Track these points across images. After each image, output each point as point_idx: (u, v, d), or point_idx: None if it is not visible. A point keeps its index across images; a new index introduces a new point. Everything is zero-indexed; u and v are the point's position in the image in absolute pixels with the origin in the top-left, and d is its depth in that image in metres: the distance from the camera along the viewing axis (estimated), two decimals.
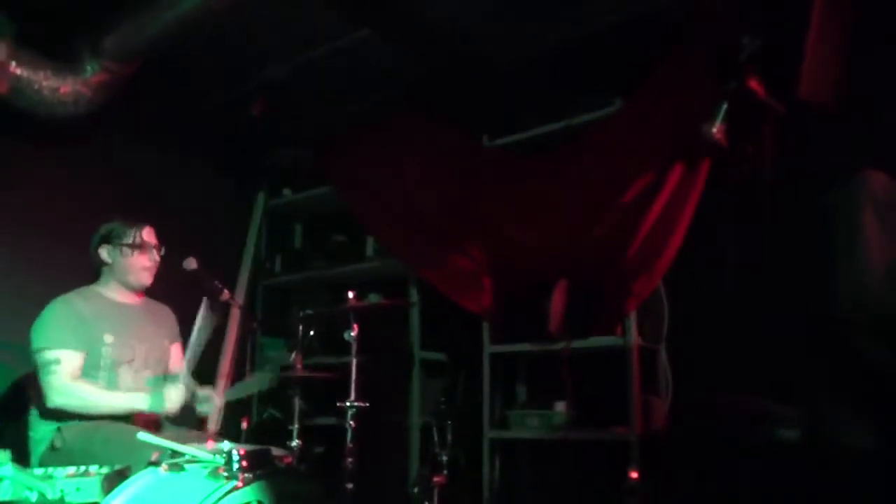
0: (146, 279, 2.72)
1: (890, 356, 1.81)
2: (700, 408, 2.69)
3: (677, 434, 2.79)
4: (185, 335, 2.72)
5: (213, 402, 2.74)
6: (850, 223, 1.88)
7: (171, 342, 2.86)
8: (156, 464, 1.90)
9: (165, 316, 2.89)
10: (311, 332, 3.14)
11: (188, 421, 2.79)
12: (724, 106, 2.61)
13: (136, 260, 2.68)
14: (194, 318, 2.55)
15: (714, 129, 2.60)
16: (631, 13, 3.13)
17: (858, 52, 2.47)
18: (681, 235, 2.91)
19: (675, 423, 2.84)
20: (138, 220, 2.72)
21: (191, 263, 2.71)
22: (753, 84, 2.59)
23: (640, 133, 3.08)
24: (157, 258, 2.74)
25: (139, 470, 1.90)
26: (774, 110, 2.70)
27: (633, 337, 2.98)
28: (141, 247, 2.68)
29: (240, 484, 1.79)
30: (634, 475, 2.74)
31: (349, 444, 2.64)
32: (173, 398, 2.55)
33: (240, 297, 3.90)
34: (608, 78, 3.28)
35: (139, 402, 2.52)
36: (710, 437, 2.52)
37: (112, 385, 2.56)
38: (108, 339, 2.58)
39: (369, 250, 3.94)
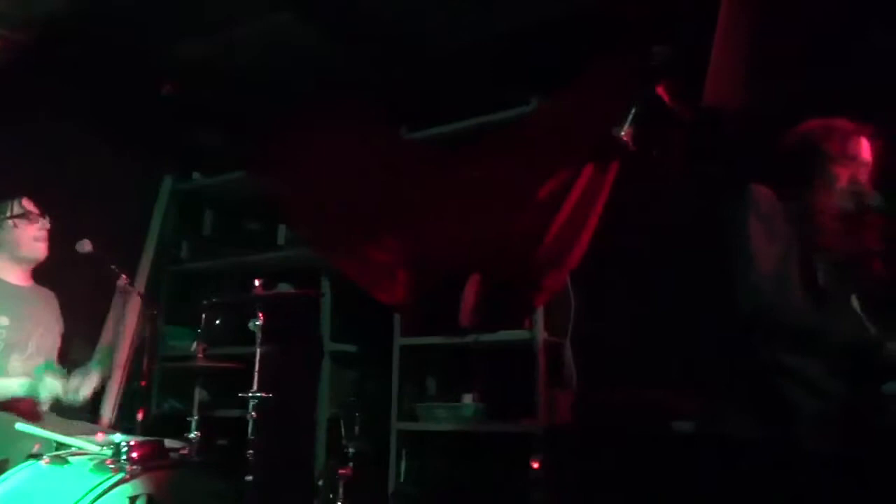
0: (40, 250, 2.60)
1: (783, 356, 1.91)
2: (602, 401, 2.78)
3: (580, 426, 2.87)
4: (76, 322, 2.61)
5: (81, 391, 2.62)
6: (740, 232, 1.97)
7: (61, 328, 2.74)
8: (37, 456, 1.80)
9: (53, 301, 2.76)
10: (218, 322, 3.04)
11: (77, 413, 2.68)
12: (633, 110, 2.73)
13: (24, 231, 2.57)
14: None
15: (623, 132, 2.72)
16: (549, 16, 3.17)
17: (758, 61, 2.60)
18: (590, 233, 2.98)
19: (578, 416, 2.92)
20: (12, 193, 2.59)
21: (84, 246, 2.58)
22: (661, 90, 2.72)
23: (556, 133, 3.14)
24: (48, 226, 2.61)
25: (18, 463, 1.80)
26: (681, 116, 2.82)
27: (541, 331, 3.04)
28: (24, 216, 2.56)
29: (127, 476, 1.71)
30: (536, 465, 2.79)
31: (251, 436, 2.58)
32: (53, 388, 2.43)
33: (141, 284, 3.74)
34: (526, 77, 3.32)
35: (17, 387, 2.38)
36: (610, 429, 2.61)
37: (1, 371, 2.41)
38: (3, 321, 2.45)
39: (281, 239, 3.86)
